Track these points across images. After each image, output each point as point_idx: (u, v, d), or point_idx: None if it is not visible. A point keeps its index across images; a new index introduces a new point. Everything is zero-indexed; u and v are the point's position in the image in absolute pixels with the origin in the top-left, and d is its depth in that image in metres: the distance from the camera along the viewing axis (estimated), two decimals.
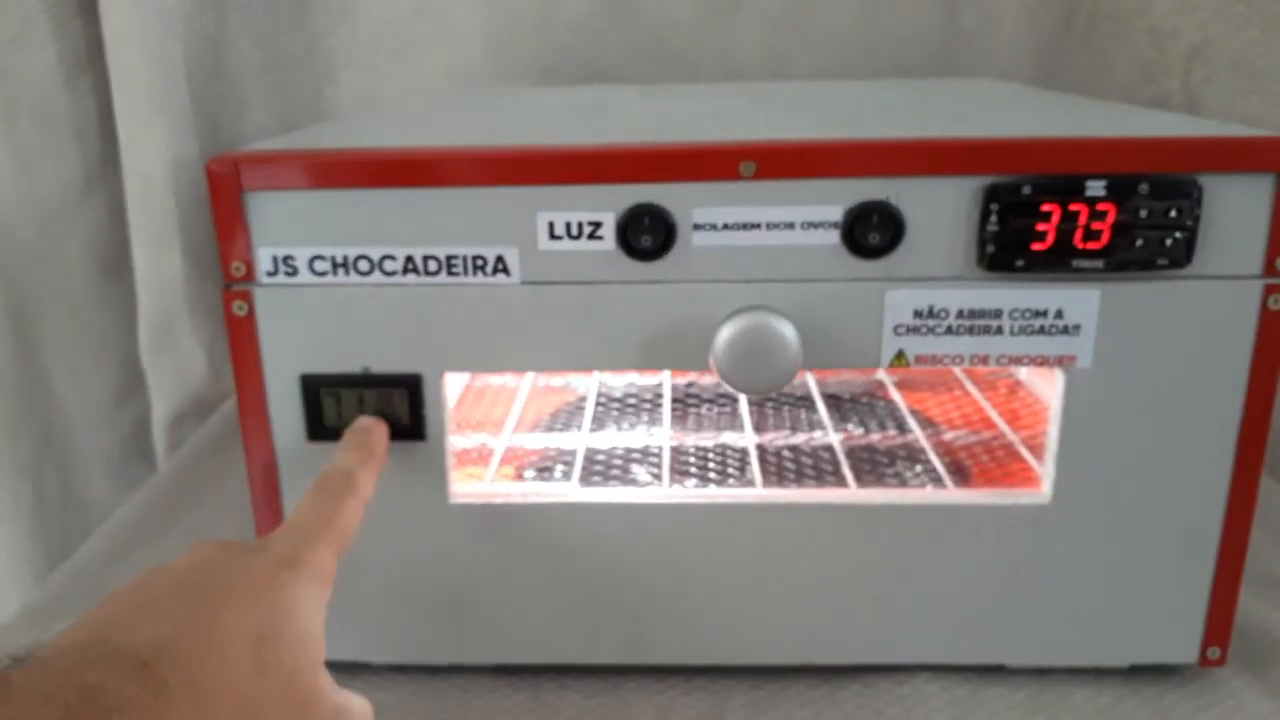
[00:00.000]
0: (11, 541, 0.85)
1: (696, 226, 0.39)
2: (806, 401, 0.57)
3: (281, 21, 0.80)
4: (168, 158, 0.78)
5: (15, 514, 0.84)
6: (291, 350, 0.41)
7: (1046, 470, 0.41)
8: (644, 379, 0.61)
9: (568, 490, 0.46)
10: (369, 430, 0.40)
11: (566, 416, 0.56)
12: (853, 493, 0.46)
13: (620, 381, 0.61)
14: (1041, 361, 0.40)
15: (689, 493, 0.46)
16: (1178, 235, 0.38)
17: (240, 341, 0.41)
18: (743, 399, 0.58)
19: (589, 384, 0.60)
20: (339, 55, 0.81)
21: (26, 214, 0.81)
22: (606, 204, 0.39)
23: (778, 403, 0.57)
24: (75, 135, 0.81)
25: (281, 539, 0.34)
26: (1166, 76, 0.72)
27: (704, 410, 0.57)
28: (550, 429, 0.55)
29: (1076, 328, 0.39)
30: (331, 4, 0.80)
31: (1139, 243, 0.38)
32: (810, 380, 0.60)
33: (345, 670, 0.45)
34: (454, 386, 0.59)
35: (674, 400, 0.58)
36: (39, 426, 0.85)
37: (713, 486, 0.47)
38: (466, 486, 0.46)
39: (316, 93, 0.83)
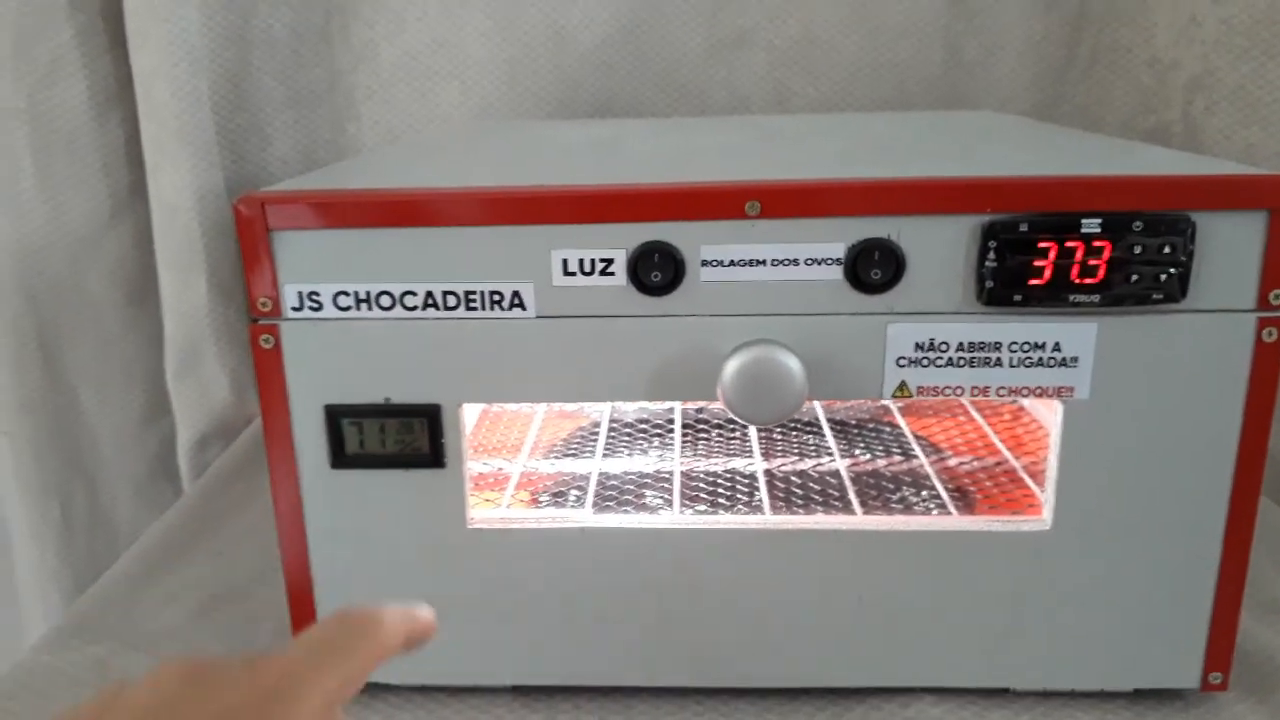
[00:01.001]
0: (39, 561, 0.87)
1: (704, 263, 0.40)
2: (814, 427, 0.59)
3: (304, 58, 0.83)
4: (193, 189, 0.80)
5: (44, 534, 0.87)
6: (316, 381, 0.43)
7: (1047, 498, 0.42)
8: (656, 404, 0.62)
9: (581, 516, 0.48)
10: (421, 613, 0.33)
11: (580, 442, 0.58)
12: (859, 519, 0.47)
13: (633, 407, 0.62)
14: (1040, 393, 0.41)
15: (699, 519, 0.47)
16: (1172, 270, 0.39)
17: (266, 373, 0.43)
18: (752, 426, 0.59)
19: (602, 409, 0.62)
20: (360, 90, 0.84)
21: (56, 243, 0.83)
22: (618, 242, 0.40)
23: (786, 429, 0.59)
24: (103, 167, 0.83)
25: (269, 669, 0.27)
26: (1167, 107, 0.74)
27: (714, 436, 0.58)
28: (565, 454, 0.56)
29: (1074, 360, 0.40)
30: (354, 41, 0.82)
31: (1134, 278, 0.39)
32: (818, 406, 0.61)
33: (366, 691, 0.46)
34: (472, 412, 0.61)
35: (685, 426, 0.59)
36: (67, 449, 0.87)
37: (722, 512, 0.48)
38: (483, 512, 0.47)
39: (338, 127, 0.85)
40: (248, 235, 0.41)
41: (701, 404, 0.62)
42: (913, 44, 0.79)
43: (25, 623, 0.91)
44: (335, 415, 0.43)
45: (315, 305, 0.42)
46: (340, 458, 0.43)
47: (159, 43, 0.77)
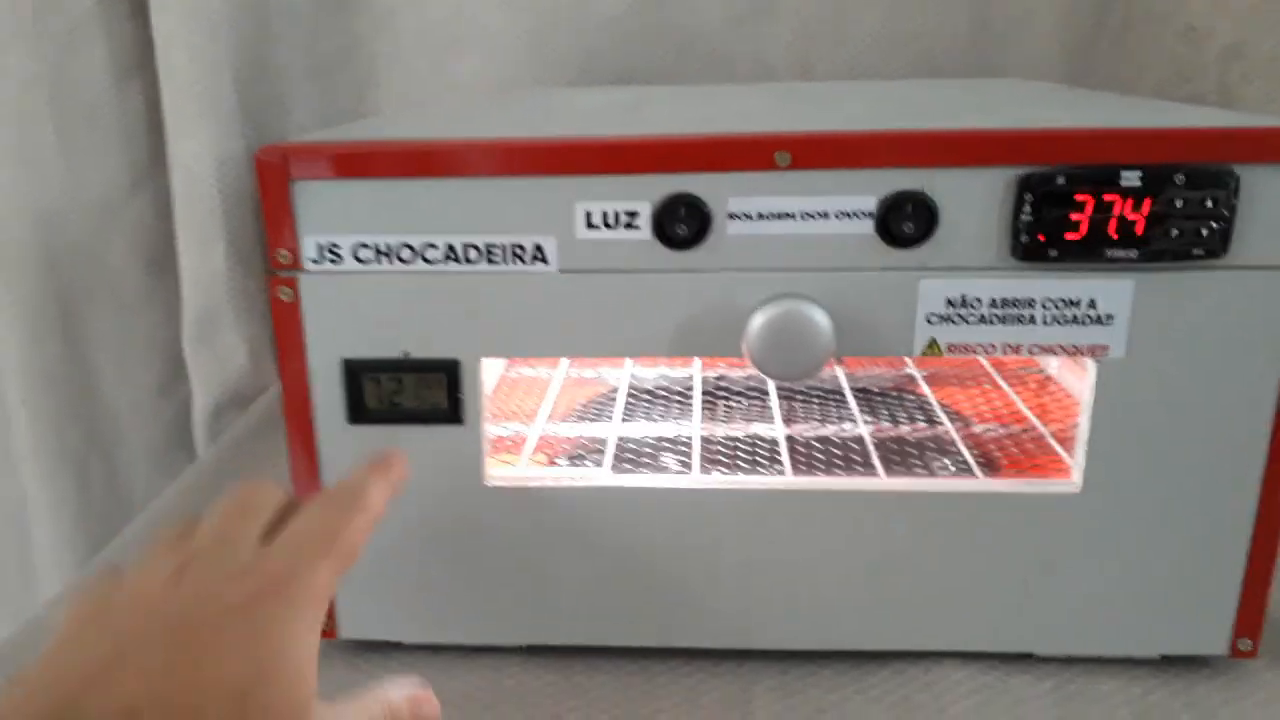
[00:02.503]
0: (55, 529, 0.88)
1: (731, 216, 0.40)
2: (836, 395, 0.58)
3: (324, 26, 0.82)
4: (213, 156, 0.80)
5: (60, 502, 0.87)
6: (334, 335, 0.42)
7: (1077, 460, 0.41)
8: (674, 371, 0.62)
9: (600, 475, 0.47)
10: (389, 454, 0.37)
11: (599, 407, 0.57)
12: (882, 480, 0.46)
13: (651, 373, 0.61)
14: (1074, 351, 0.40)
15: (719, 479, 0.46)
16: (1214, 225, 0.38)
17: (285, 326, 0.42)
18: (773, 391, 0.58)
19: (620, 375, 0.61)
20: (380, 59, 0.83)
21: (76, 212, 0.83)
22: (642, 194, 0.40)
23: (808, 396, 0.58)
24: (124, 135, 0.83)
25: (277, 555, 0.30)
26: (1201, 75, 0.72)
27: (734, 402, 0.57)
28: (583, 419, 0.56)
29: (1110, 318, 0.39)
30: (375, 9, 0.82)
31: (1174, 233, 0.38)
32: (840, 374, 0.61)
33: (378, 650, 0.46)
34: (489, 377, 0.60)
35: (704, 393, 0.59)
36: (85, 418, 0.87)
37: (742, 474, 0.48)
38: (501, 470, 0.47)
39: (358, 96, 0.85)
40: (269, 186, 0.41)
41: (721, 370, 0.61)
42: (939, 12, 0.77)
43: (42, 591, 0.92)
44: (354, 370, 0.42)
45: (335, 258, 0.41)
46: (359, 413, 0.43)
47: (179, 9, 0.77)
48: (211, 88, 0.79)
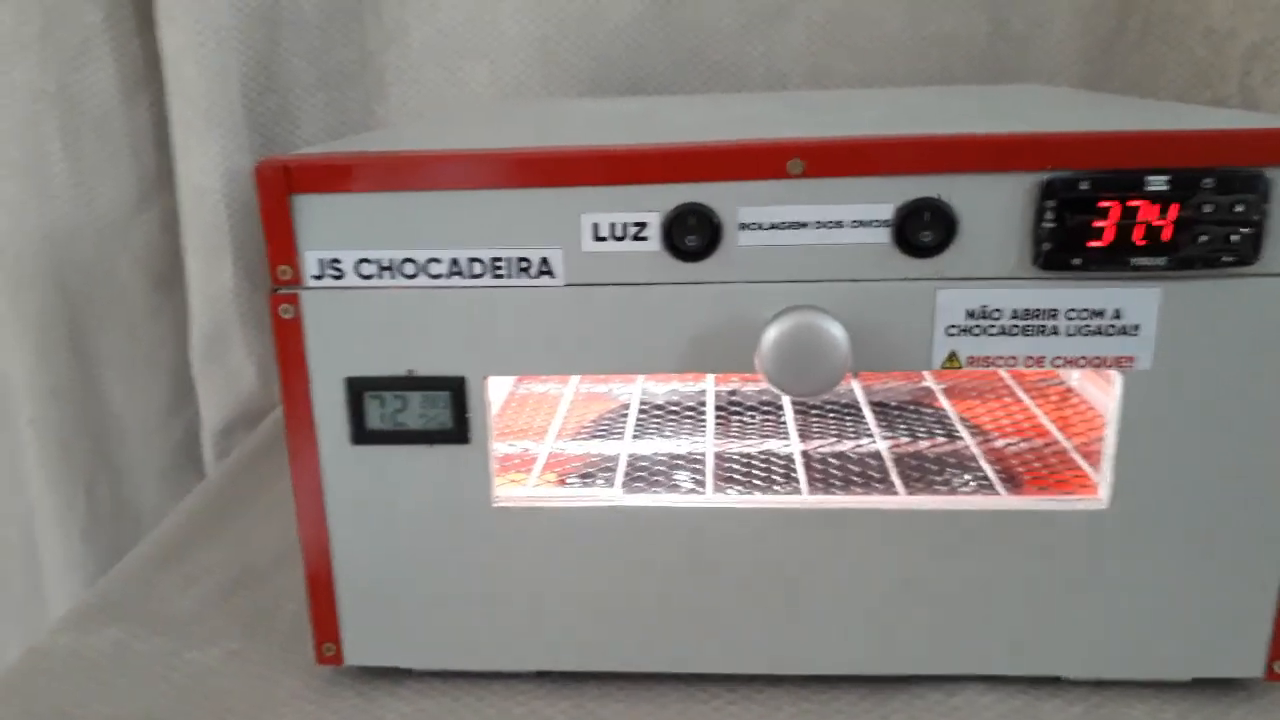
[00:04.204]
0: (63, 549, 0.87)
1: (743, 226, 0.38)
2: (853, 409, 0.56)
3: (334, 39, 0.82)
4: (221, 170, 0.79)
5: (68, 521, 0.86)
6: (337, 353, 0.41)
7: (1104, 476, 0.40)
8: (686, 386, 0.60)
9: (611, 495, 0.46)
10: None
11: (609, 424, 0.56)
12: (903, 499, 0.45)
13: (663, 389, 0.60)
14: (1099, 363, 0.38)
15: (734, 498, 0.45)
16: (1244, 231, 0.36)
17: (286, 344, 0.41)
18: (788, 406, 0.57)
19: (632, 391, 0.60)
20: (390, 71, 0.82)
21: (84, 228, 0.83)
22: (651, 204, 0.38)
23: (824, 411, 0.56)
24: (132, 150, 0.83)
25: None
26: (1223, 79, 0.71)
27: (747, 418, 0.56)
28: (593, 436, 0.54)
29: (1136, 328, 0.38)
30: (385, 22, 0.81)
31: (1203, 239, 0.36)
32: (856, 388, 0.59)
33: (386, 676, 0.45)
34: (497, 394, 0.59)
35: (717, 408, 0.57)
36: (93, 437, 0.87)
37: (758, 493, 0.46)
38: (510, 490, 0.45)
39: (367, 109, 0.84)
40: (269, 199, 0.40)
41: (734, 385, 0.60)
42: (957, 16, 0.76)
43: (50, 611, 0.91)
44: (357, 388, 0.41)
45: (337, 273, 0.40)
46: (362, 433, 0.42)
47: (188, 21, 0.77)
48: (220, 101, 0.79)
